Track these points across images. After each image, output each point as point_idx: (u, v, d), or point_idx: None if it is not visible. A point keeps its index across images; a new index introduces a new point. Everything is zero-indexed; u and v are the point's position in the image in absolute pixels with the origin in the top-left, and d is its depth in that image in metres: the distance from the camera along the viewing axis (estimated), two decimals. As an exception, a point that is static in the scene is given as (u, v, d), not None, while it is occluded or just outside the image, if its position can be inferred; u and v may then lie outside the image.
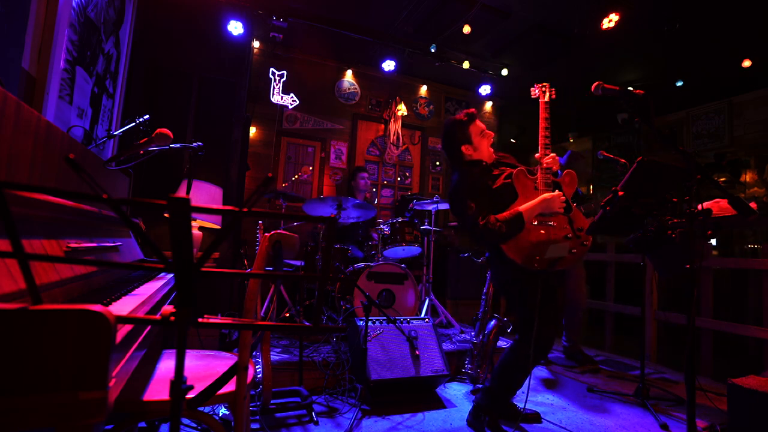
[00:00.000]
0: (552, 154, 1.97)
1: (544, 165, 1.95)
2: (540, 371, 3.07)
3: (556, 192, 1.91)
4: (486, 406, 2.02)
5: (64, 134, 1.32)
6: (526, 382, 1.94)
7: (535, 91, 2.06)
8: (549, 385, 2.80)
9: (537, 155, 1.98)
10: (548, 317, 1.91)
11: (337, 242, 3.61)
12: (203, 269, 0.66)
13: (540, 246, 1.85)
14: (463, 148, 2.04)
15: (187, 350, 1.39)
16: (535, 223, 1.87)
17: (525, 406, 2.18)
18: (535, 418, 2.21)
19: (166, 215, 0.63)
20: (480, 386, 2.53)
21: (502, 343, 3.08)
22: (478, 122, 2.06)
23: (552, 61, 4.69)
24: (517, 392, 2.04)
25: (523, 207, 1.86)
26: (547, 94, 2.03)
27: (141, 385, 1.15)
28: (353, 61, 4.94)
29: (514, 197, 1.92)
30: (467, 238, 5.27)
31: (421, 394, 2.50)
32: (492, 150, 2.10)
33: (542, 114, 2.00)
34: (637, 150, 6.64)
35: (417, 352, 2.45)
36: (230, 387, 1.23)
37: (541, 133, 1.98)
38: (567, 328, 3.30)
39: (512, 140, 7.44)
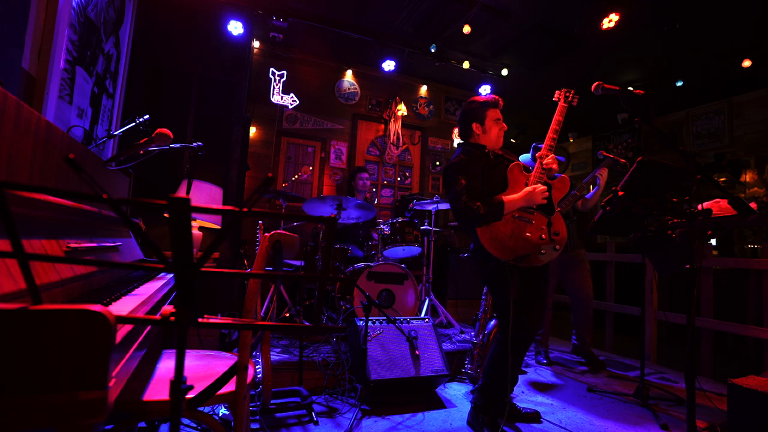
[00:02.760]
0: (552, 155, 1.98)
1: (545, 165, 1.97)
2: (541, 371, 3.07)
3: (539, 184, 1.94)
4: (482, 405, 2.02)
5: (64, 134, 1.31)
6: (521, 380, 1.94)
7: (557, 95, 2.08)
8: (549, 384, 2.79)
9: (538, 153, 2.01)
10: (528, 311, 1.92)
11: (337, 242, 3.61)
12: (203, 269, 0.66)
13: (512, 239, 1.89)
14: (474, 125, 2.10)
15: (187, 350, 1.39)
16: (516, 215, 1.92)
17: (516, 402, 2.18)
18: (535, 417, 2.21)
19: (166, 215, 0.63)
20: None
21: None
22: (497, 110, 2.12)
23: (552, 61, 4.69)
24: (515, 390, 2.04)
25: (507, 198, 1.91)
26: (570, 99, 2.05)
27: (141, 385, 1.15)
28: (353, 61, 4.94)
29: (503, 187, 1.97)
30: (467, 238, 5.28)
31: (421, 394, 2.50)
32: (501, 142, 2.14)
33: (557, 117, 2.04)
34: (637, 150, 6.64)
35: (417, 352, 2.45)
36: (230, 387, 1.23)
37: (550, 134, 2.02)
38: (576, 326, 3.27)
39: (512, 140, 7.45)
